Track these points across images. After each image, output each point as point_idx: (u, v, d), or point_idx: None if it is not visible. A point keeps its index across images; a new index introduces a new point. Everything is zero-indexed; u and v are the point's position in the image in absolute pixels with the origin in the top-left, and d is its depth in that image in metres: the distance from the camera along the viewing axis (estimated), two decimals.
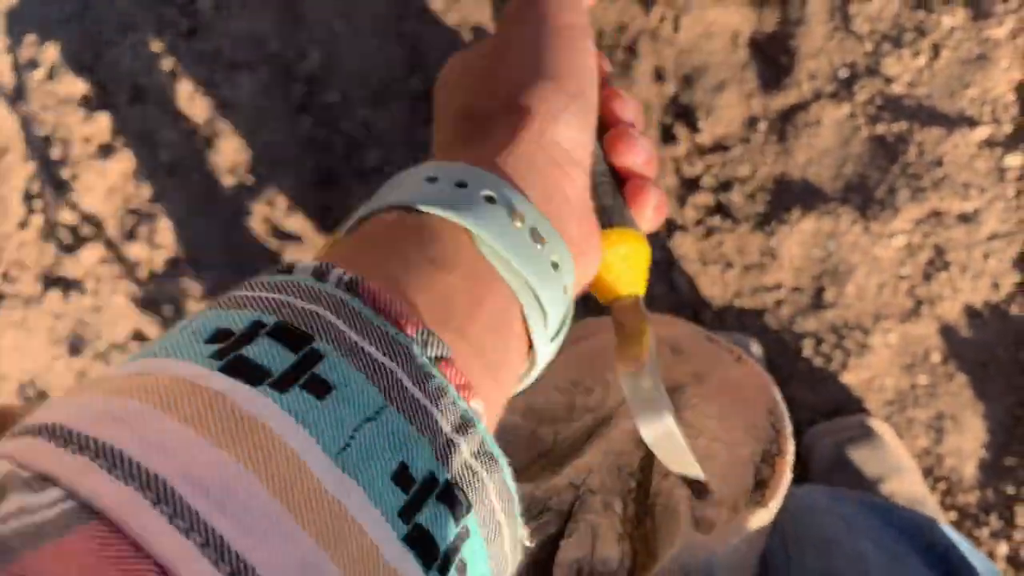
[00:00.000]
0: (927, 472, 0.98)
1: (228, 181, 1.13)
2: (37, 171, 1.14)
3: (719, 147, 1.06)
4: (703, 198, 1.05)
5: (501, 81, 0.35)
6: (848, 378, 1.00)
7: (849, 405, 1.01)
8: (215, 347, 0.22)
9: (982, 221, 1.01)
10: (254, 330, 0.23)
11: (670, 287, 1.04)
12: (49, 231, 1.13)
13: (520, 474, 0.41)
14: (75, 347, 1.11)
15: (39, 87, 1.15)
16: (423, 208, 0.29)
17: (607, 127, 0.38)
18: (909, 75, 1.05)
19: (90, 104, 1.15)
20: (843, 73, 1.06)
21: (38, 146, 1.14)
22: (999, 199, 1.01)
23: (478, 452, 0.24)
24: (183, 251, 1.12)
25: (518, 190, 0.31)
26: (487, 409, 0.26)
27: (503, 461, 0.25)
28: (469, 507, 0.23)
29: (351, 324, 0.23)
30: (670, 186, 1.06)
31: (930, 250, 1.01)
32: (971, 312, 1.00)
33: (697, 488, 0.39)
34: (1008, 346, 0.99)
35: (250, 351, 0.22)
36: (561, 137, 0.34)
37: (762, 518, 0.38)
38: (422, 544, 0.22)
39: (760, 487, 0.39)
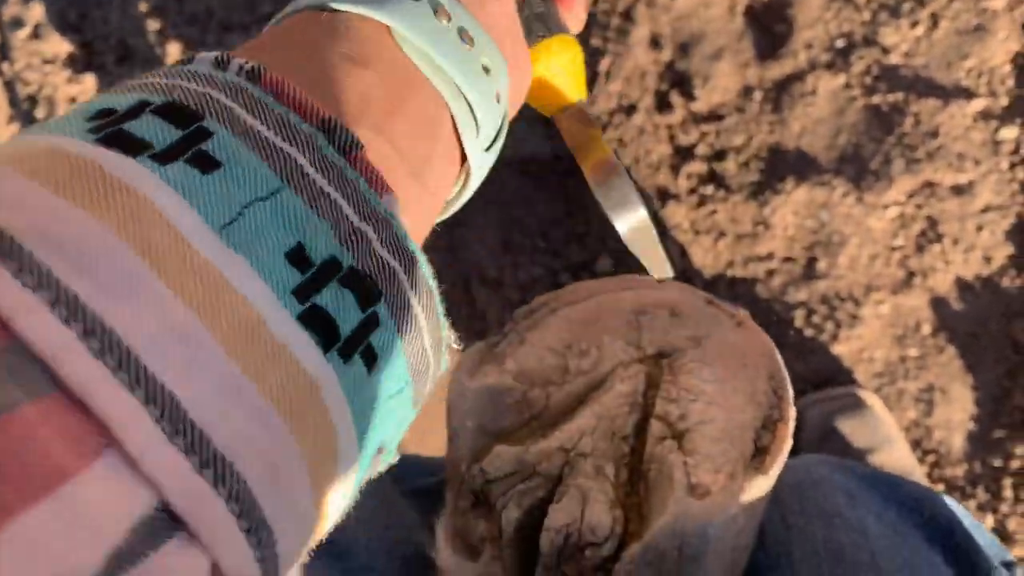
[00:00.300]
0: (915, 444, 0.99)
1: None
2: (21, 132, 1.12)
3: (714, 116, 1.05)
4: (697, 167, 1.04)
5: None
6: (838, 349, 1.00)
7: (839, 376, 1.01)
8: (95, 123, 0.21)
9: (976, 193, 1.01)
10: (139, 108, 0.22)
11: None
12: None
13: (510, 437, 0.41)
14: None
15: (24, 46, 1.13)
16: (339, 6, 0.27)
17: None
18: (907, 45, 1.04)
19: (76, 64, 1.13)
20: (840, 43, 1.05)
21: (22, 106, 1.12)
22: (993, 172, 1.01)
23: (391, 245, 0.23)
24: None
25: None
26: (412, 211, 0.26)
27: (421, 257, 0.24)
28: (379, 295, 0.23)
29: (248, 109, 0.22)
30: (664, 155, 1.05)
31: (923, 222, 1.01)
32: (962, 285, 1.00)
33: None
34: (998, 319, 0.99)
35: (131, 126, 0.21)
36: None
37: (761, 485, 0.38)
38: (320, 325, 0.21)
39: (760, 454, 0.39)
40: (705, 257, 1.03)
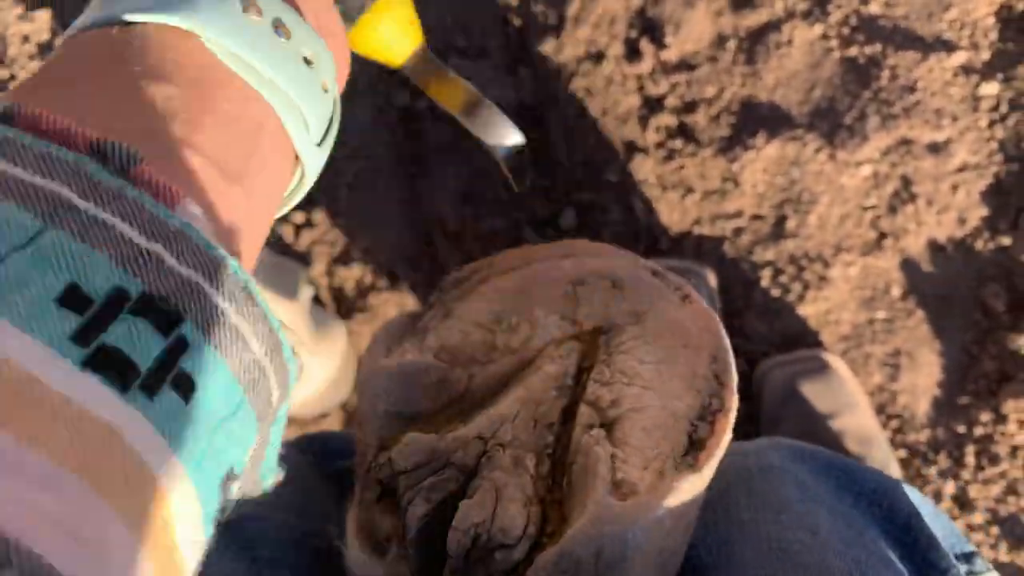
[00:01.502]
0: (880, 409, 0.97)
1: None
2: None
3: (685, 65, 1.01)
4: (666, 119, 1.00)
5: None
6: (805, 311, 0.98)
7: (805, 338, 0.98)
8: None
9: (953, 152, 0.97)
10: None
11: (628, 212, 1.00)
12: None
13: (426, 424, 0.37)
14: None
15: None
16: (132, 17, 0.25)
17: None
18: None
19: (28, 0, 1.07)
20: None
21: None
22: (971, 129, 0.97)
23: (191, 258, 0.21)
24: None
25: None
26: (233, 217, 0.24)
27: (231, 262, 0.22)
28: (179, 317, 0.21)
29: (0, 154, 0.20)
30: (632, 106, 1.01)
31: (897, 180, 0.98)
32: (934, 246, 0.97)
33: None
34: (969, 282, 0.97)
35: None
36: None
37: (693, 485, 0.34)
38: (112, 365, 0.19)
39: (694, 448, 0.35)
40: (672, 214, 0.99)
